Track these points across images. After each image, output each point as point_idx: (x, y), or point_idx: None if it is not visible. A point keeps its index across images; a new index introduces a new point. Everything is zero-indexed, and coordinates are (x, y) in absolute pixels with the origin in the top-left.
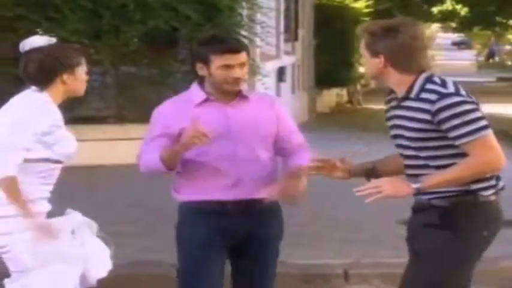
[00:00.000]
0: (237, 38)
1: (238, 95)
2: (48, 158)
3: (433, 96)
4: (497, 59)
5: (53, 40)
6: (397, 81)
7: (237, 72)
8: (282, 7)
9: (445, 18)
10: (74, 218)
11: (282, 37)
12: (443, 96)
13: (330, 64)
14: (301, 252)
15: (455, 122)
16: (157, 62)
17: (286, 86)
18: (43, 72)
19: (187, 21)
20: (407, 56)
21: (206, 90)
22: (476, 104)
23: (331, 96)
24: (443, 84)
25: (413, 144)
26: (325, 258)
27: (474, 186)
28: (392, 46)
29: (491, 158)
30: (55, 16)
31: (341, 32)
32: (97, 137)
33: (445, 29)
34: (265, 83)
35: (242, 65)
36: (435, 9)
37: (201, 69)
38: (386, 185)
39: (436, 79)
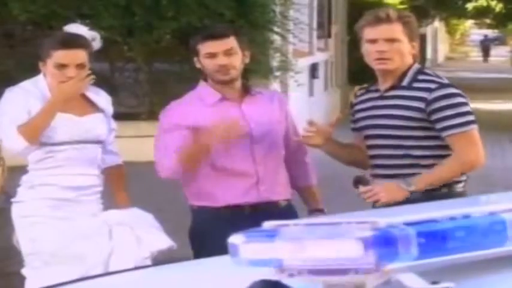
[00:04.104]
0: (225, 25)
1: (249, 92)
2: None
3: (432, 85)
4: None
5: (85, 31)
6: (402, 68)
7: (222, 60)
8: (315, 3)
9: (480, 14)
10: (111, 216)
11: (315, 34)
12: (442, 86)
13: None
14: None
15: (448, 112)
16: (189, 58)
17: (319, 83)
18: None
19: (220, 17)
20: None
21: (215, 87)
22: (466, 98)
23: None
24: (437, 75)
25: (398, 133)
26: None
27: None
28: (417, 32)
29: (474, 157)
30: (88, 13)
31: None
32: (130, 134)
33: (480, 25)
34: (298, 80)
35: (228, 52)
36: (470, 5)
37: (197, 63)
38: (381, 192)
39: (429, 71)
